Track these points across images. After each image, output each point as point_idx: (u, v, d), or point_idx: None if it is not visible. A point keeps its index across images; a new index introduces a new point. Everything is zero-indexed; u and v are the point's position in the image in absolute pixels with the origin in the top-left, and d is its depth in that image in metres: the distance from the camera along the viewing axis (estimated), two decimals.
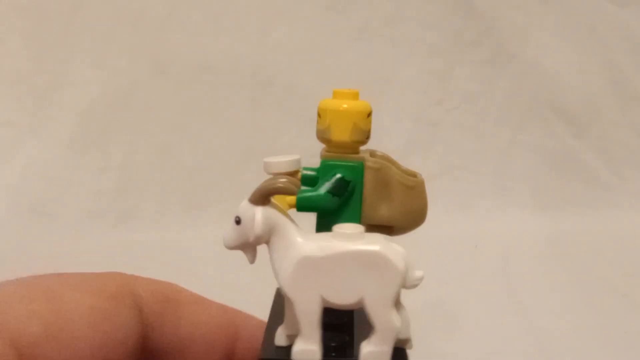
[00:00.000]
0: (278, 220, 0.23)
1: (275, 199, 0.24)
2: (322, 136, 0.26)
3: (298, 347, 0.22)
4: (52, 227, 0.71)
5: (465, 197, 0.76)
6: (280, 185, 0.23)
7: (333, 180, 0.25)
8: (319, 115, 0.26)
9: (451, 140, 0.78)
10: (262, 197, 0.23)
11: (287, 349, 0.23)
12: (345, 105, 0.26)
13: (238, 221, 0.23)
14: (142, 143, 0.76)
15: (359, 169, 0.26)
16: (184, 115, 0.77)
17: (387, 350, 0.22)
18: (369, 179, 0.26)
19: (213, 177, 0.73)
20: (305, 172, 0.27)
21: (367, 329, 0.23)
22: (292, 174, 0.26)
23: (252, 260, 0.23)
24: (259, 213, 0.23)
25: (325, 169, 0.26)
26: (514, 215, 0.75)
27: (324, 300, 0.22)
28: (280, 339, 0.24)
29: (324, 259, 0.22)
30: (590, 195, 0.78)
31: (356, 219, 0.26)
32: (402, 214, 0.27)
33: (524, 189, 0.78)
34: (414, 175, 0.28)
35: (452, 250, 0.63)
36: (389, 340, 0.23)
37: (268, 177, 0.24)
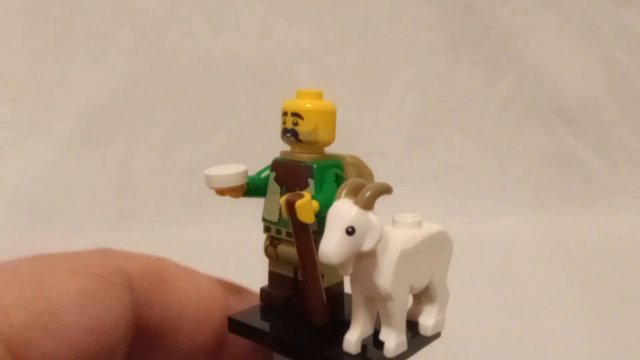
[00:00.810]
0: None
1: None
2: (308, 138, 0.26)
3: (394, 342, 0.23)
4: (52, 227, 0.71)
5: (465, 197, 0.76)
6: (389, 186, 0.22)
7: (335, 179, 0.26)
8: (299, 117, 0.25)
9: (451, 140, 0.78)
10: (374, 202, 0.21)
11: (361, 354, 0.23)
12: (332, 107, 0.26)
13: (351, 231, 0.21)
14: (142, 143, 0.76)
15: (342, 166, 0.27)
16: (184, 115, 0.77)
17: (444, 316, 0.25)
18: (350, 173, 0.27)
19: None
20: (253, 182, 0.27)
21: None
22: (237, 189, 0.26)
23: (350, 271, 0.22)
24: (376, 219, 0.21)
25: (321, 170, 0.26)
26: (514, 215, 0.75)
27: (411, 288, 0.23)
28: (351, 345, 0.23)
29: (414, 248, 0.23)
30: (590, 195, 0.78)
31: None
32: None
33: (524, 189, 0.78)
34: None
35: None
36: (445, 307, 0.25)
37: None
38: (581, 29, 0.78)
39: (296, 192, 0.23)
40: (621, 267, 0.64)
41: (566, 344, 0.49)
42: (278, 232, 0.27)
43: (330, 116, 0.26)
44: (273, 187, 0.27)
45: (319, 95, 0.26)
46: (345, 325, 0.24)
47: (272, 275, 0.27)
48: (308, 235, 0.23)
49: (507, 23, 0.78)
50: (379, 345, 0.23)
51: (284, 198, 0.23)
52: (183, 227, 0.70)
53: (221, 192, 0.26)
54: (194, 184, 0.73)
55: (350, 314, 0.24)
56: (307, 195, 0.23)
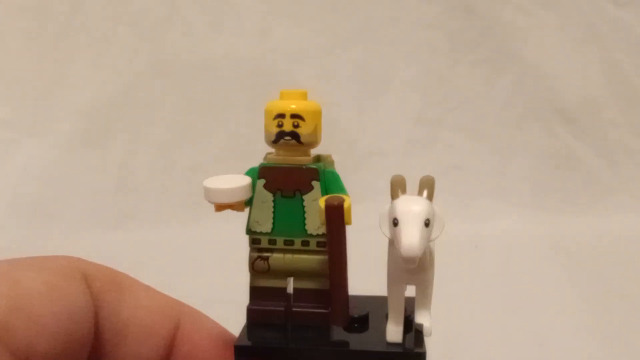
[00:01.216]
0: None
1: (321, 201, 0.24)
2: (308, 140, 0.25)
3: (430, 321, 0.25)
4: (52, 227, 0.71)
5: (465, 197, 0.76)
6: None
7: (339, 179, 0.26)
8: (300, 118, 0.25)
9: (451, 140, 0.78)
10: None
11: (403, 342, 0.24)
12: (321, 106, 0.26)
13: (428, 223, 0.22)
14: (142, 143, 0.76)
15: (331, 164, 0.27)
16: (184, 115, 0.77)
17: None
18: None
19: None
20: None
21: None
22: (240, 203, 0.25)
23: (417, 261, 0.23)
24: (439, 209, 0.23)
25: (323, 172, 0.26)
26: (514, 215, 0.75)
27: None
28: (396, 335, 0.24)
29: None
30: (590, 195, 0.78)
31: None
32: None
33: (524, 189, 0.78)
34: None
35: (451, 250, 0.63)
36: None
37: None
38: (581, 29, 0.78)
39: (331, 196, 0.23)
40: (621, 267, 0.64)
41: (566, 344, 0.49)
42: (272, 242, 0.26)
43: (320, 116, 0.26)
44: (262, 195, 0.26)
45: (305, 95, 0.26)
46: (356, 321, 0.25)
47: (261, 291, 0.26)
48: (345, 237, 0.23)
49: (507, 23, 0.78)
50: (414, 330, 0.25)
51: (323, 203, 0.23)
52: (183, 227, 0.70)
53: (221, 207, 0.25)
54: (194, 184, 0.73)
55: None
56: (345, 197, 0.23)
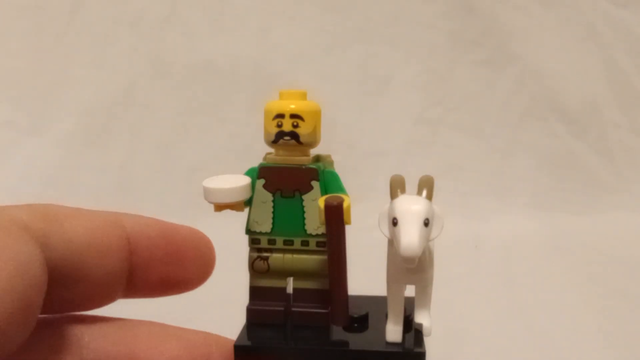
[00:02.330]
0: None
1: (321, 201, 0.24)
2: (308, 140, 0.25)
3: (430, 321, 0.25)
4: None
5: (465, 197, 0.76)
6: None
7: (338, 179, 0.26)
8: (300, 118, 0.25)
9: (451, 140, 0.78)
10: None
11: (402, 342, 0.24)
12: (319, 106, 0.26)
13: (427, 223, 0.22)
14: (142, 143, 0.76)
15: (330, 164, 0.27)
16: (184, 115, 0.77)
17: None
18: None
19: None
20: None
21: None
22: (239, 203, 0.25)
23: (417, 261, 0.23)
24: (439, 209, 0.23)
25: (322, 172, 0.26)
26: (514, 215, 0.75)
27: None
28: (395, 334, 0.24)
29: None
30: (590, 195, 0.78)
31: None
32: None
33: (524, 189, 0.78)
34: None
35: (452, 250, 0.63)
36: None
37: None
38: (581, 29, 0.78)
39: (330, 195, 0.23)
40: (621, 266, 0.64)
41: (566, 343, 0.49)
42: (271, 242, 0.26)
43: (319, 116, 0.26)
44: (262, 195, 0.26)
45: (305, 95, 0.26)
46: (355, 321, 0.25)
47: (260, 291, 0.26)
48: (344, 236, 0.23)
49: (507, 23, 0.78)
50: (413, 329, 0.25)
51: (322, 203, 0.23)
52: None
53: (220, 207, 0.25)
54: (193, 184, 0.73)
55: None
56: (344, 197, 0.23)
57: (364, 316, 0.26)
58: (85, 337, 0.24)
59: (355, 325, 0.26)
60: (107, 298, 0.24)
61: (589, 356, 0.47)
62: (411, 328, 0.25)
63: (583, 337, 0.50)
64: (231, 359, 0.25)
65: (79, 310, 0.24)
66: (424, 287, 0.24)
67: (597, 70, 0.79)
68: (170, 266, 0.25)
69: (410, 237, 0.22)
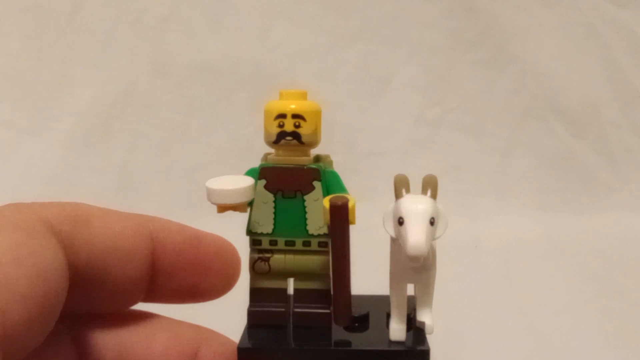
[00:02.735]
0: None
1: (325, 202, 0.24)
2: (309, 140, 0.25)
3: (432, 319, 0.25)
4: None
5: (465, 197, 0.76)
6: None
7: (341, 180, 0.26)
8: (302, 118, 0.24)
9: (451, 140, 0.78)
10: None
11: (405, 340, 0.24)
12: (321, 106, 0.25)
13: (433, 222, 0.22)
14: (142, 143, 0.76)
15: (330, 164, 0.27)
16: (184, 115, 0.77)
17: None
18: None
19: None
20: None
21: None
22: (243, 204, 0.25)
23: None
24: (443, 207, 0.23)
25: (324, 172, 0.26)
26: (514, 215, 0.75)
27: None
28: (399, 333, 0.25)
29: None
30: (590, 195, 0.78)
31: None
32: None
33: (524, 189, 0.78)
34: None
35: (451, 250, 0.63)
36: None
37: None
38: (581, 29, 0.78)
39: (335, 195, 0.23)
40: (621, 266, 0.64)
41: (566, 343, 0.49)
42: (273, 243, 0.26)
43: (320, 116, 0.26)
44: (263, 196, 0.26)
45: (305, 95, 0.26)
46: (357, 321, 0.25)
47: (261, 292, 0.26)
48: (349, 236, 0.23)
49: (507, 23, 0.78)
50: (415, 328, 0.25)
51: (327, 203, 0.23)
52: None
53: (224, 208, 0.25)
54: (194, 184, 0.73)
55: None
56: (349, 197, 0.23)
57: (364, 315, 0.26)
58: (76, 327, 0.23)
59: (357, 324, 0.26)
60: (127, 302, 0.24)
61: (589, 356, 0.47)
62: (413, 326, 0.25)
63: (583, 337, 0.50)
64: (220, 353, 0.25)
65: (97, 313, 0.24)
66: (427, 286, 0.25)
67: (597, 70, 0.79)
68: (194, 274, 0.25)
69: (417, 236, 0.22)
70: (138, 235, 0.23)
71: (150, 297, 0.25)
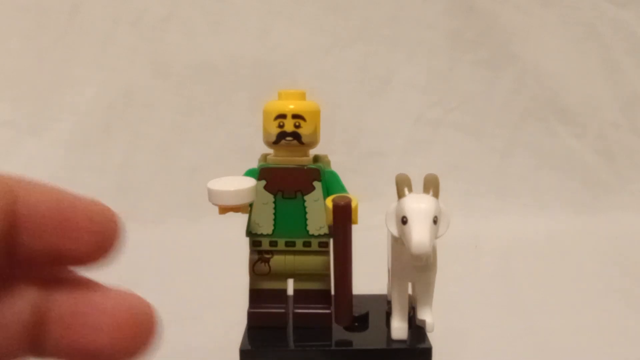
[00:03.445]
0: None
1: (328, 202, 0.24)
2: (309, 140, 0.25)
3: (432, 317, 0.25)
4: None
5: (465, 197, 0.76)
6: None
7: (340, 180, 0.26)
8: (302, 119, 0.25)
9: (451, 140, 0.78)
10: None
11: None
12: (321, 106, 0.26)
13: (436, 220, 0.23)
14: (142, 143, 0.76)
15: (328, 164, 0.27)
16: (184, 115, 0.77)
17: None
18: None
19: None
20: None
21: None
22: (244, 206, 0.25)
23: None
24: (445, 206, 0.23)
25: (324, 172, 0.26)
26: (514, 215, 0.75)
27: None
28: (401, 332, 0.25)
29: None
30: (590, 195, 0.78)
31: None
32: None
33: (524, 189, 0.78)
34: None
35: (452, 250, 0.63)
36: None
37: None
38: (581, 29, 0.78)
39: (337, 195, 0.23)
40: (621, 266, 0.64)
41: (566, 343, 0.49)
42: (273, 244, 0.26)
43: (319, 116, 0.26)
44: (263, 196, 0.26)
45: (304, 95, 0.26)
46: (357, 320, 0.25)
47: (261, 293, 0.26)
48: (351, 236, 0.24)
49: (507, 23, 0.78)
50: (416, 326, 0.25)
51: (330, 204, 0.23)
52: (183, 226, 0.70)
53: (226, 209, 0.25)
54: (194, 184, 0.73)
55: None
56: (352, 197, 0.23)
57: (364, 315, 0.26)
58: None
59: (356, 324, 0.26)
60: None
61: (589, 356, 0.47)
62: (413, 325, 0.25)
63: (583, 337, 0.49)
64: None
65: None
66: (428, 284, 0.25)
67: (597, 70, 0.79)
68: (59, 235, 0.23)
69: (421, 235, 0.22)
70: None
71: (10, 264, 0.24)
